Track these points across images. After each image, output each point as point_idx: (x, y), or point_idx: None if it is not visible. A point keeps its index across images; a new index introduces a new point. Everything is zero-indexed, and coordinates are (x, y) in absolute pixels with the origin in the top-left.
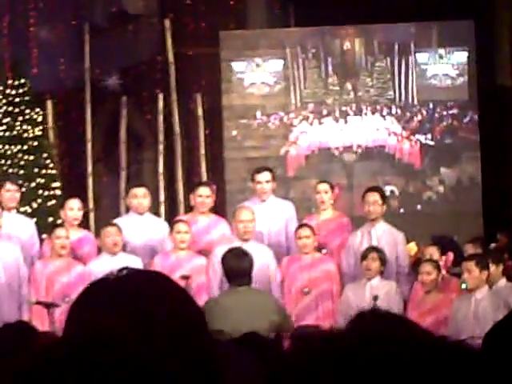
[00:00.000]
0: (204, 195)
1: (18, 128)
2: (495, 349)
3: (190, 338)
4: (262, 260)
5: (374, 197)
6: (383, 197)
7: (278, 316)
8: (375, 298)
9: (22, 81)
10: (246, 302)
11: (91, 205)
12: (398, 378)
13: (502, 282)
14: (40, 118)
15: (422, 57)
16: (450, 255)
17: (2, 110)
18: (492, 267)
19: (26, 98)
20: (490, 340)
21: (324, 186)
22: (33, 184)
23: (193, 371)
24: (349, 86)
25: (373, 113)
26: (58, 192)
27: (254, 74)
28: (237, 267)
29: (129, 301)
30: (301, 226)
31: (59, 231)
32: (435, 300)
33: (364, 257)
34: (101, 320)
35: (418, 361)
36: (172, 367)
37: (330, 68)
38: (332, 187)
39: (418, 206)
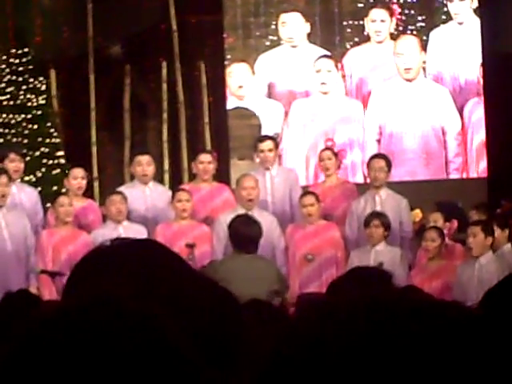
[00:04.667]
0: (206, 161)
1: (22, 97)
2: (493, 311)
3: (187, 297)
4: (266, 227)
5: (380, 163)
6: (388, 164)
7: (278, 285)
8: (380, 264)
9: (26, 50)
10: (250, 268)
11: (95, 173)
12: (403, 344)
13: (507, 246)
14: (43, 87)
15: None
16: (455, 222)
17: (5, 80)
18: (497, 231)
19: (30, 67)
20: (488, 302)
21: (327, 153)
22: (37, 153)
23: (204, 334)
24: None
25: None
26: (62, 161)
27: (259, 40)
28: (245, 234)
29: (126, 266)
30: (305, 193)
31: (62, 199)
32: (438, 266)
33: (367, 224)
34: (99, 286)
35: (423, 325)
36: (168, 323)
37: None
38: (335, 154)
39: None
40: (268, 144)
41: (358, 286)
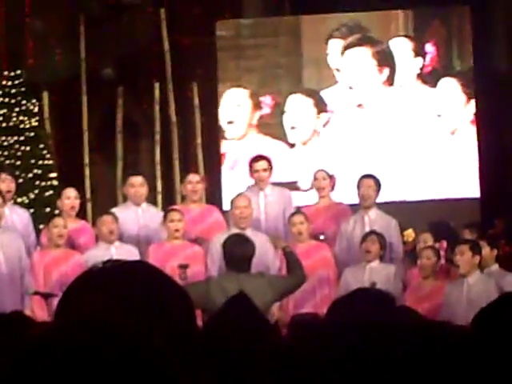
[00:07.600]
0: (194, 181)
1: (15, 119)
2: (483, 331)
3: (176, 319)
4: (261, 247)
5: (369, 182)
6: (377, 183)
7: (271, 292)
8: (373, 284)
9: (18, 72)
10: (242, 287)
11: (88, 195)
12: (393, 362)
13: (495, 266)
14: (36, 109)
15: None
16: (444, 243)
17: None
18: (486, 249)
19: (22, 89)
20: (478, 323)
21: (322, 174)
22: (30, 175)
23: (178, 348)
24: None
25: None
26: (55, 182)
27: (250, 62)
28: (238, 253)
29: (114, 289)
30: (294, 212)
31: (57, 220)
32: (432, 286)
33: (364, 239)
34: (90, 308)
35: (413, 345)
36: (158, 344)
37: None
38: (329, 175)
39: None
40: (262, 164)
41: (360, 308)
